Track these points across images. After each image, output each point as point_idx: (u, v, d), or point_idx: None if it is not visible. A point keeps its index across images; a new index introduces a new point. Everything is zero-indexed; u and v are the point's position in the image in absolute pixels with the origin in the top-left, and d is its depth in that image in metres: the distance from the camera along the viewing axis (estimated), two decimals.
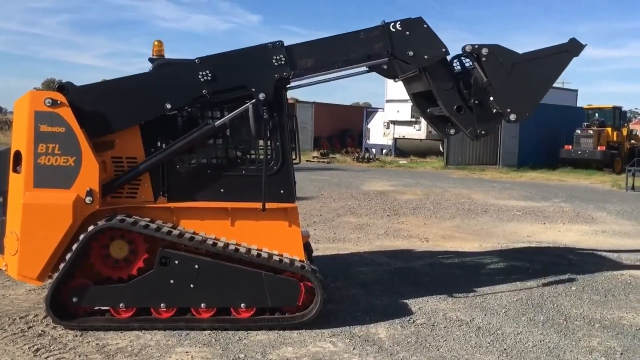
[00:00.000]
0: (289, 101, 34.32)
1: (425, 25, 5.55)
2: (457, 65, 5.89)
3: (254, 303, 5.16)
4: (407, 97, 23.40)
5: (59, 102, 4.98)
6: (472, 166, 27.13)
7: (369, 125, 33.98)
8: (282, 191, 5.42)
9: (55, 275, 4.99)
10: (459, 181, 20.64)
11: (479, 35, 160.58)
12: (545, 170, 24.98)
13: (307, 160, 27.53)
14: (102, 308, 5.14)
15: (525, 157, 26.26)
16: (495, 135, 26.75)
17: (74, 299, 5.02)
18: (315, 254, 7.07)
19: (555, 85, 48.50)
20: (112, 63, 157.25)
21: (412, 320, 5.54)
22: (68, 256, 4.94)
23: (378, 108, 35.01)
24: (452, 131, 6.17)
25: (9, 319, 5.27)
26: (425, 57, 5.55)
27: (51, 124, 4.96)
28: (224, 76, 5.24)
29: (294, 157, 5.62)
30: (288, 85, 5.53)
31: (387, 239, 9.69)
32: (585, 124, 26.64)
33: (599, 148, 25.35)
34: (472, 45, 5.64)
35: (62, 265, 4.94)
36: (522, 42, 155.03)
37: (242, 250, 5.17)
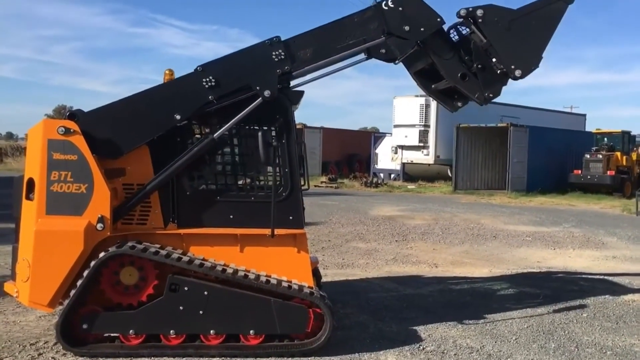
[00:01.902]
0: (297, 126, 34.46)
1: None
2: (454, 35, 5.81)
3: (262, 329, 5.16)
4: (415, 122, 23.50)
5: (71, 130, 5.06)
6: (480, 191, 27.07)
7: (377, 150, 34.08)
8: (291, 217, 5.44)
9: (66, 301, 5.02)
10: (468, 206, 20.59)
11: None
12: (555, 195, 24.89)
13: (315, 186, 27.58)
14: (112, 335, 5.15)
15: (534, 181, 26.18)
16: (504, 159, 26.78)
17: (84, 326, 5.03)
18: (324, 280, 7.06)
19: (563, 109, 48.49)
20: (122, 89, 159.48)
21: (421, 348, 5.51)
22: (79, 283, 4.97)
23: (386, 133, 35.15)
24: (459, 103, 6.09)
25: (20, 346, 5.29)
26: (422, 29, 5.52)
27: (64, 152, 5.04)
28: (228, 79, 5.28)
29: (302, 183, 5.66)
30: (292, 82, 5.53)
31: (395, 264, 9.67)
32: (594, 148, 26.60)
33: (608, 172, 25.26)
34: (467, 9, 5.56)
35: (72, 292, 4.97)
36: None
37: (251, 276, 5.18)
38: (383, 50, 5.57)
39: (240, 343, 5.18)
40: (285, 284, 5.21)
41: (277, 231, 5.31)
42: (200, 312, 5.09)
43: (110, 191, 5.10)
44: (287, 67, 5.34)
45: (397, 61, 5.70)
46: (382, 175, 32.70)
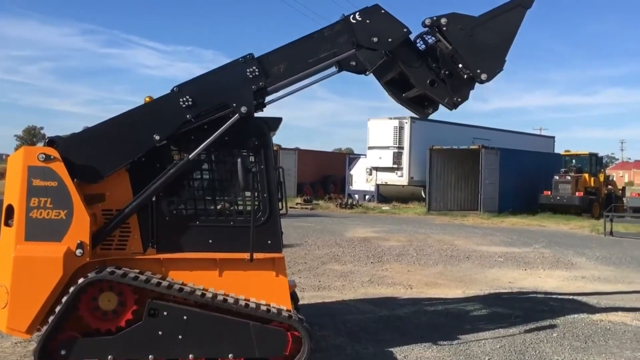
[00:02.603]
0: (273, 148, 34.30)
1: (383, 11, 5.70)
2: (421, 44, 5.99)
3: (242, 353, 5.21)
4: (389, 144, 23.71)
5: (51, 157, 5.11)
6: (453, 212, 27.44)
7: (352, 172, 34.31)
8: (269, 242, 5.55)
9: (44, 328, 5.02)
10: (441, 227, 20.87)
11: None
12: (526, 216, 25.34)
13: (290, 207, 27.47)
14: None
15: (506, 202, 26.66)
16: (476, 181, 27.26)
17: (62, 352, 5.03)
18: (300, 302, 7.14)
19: (533, 131, 49.51)
20: (94, 110, 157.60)
21: None
22: (57, 309, 4.98)
23: (360, 154, 35.48)
24: (430, 110, 6.29)
25: None
26: (389, 40, 5.69)
27: (44, 179, 5.08)
28: (204, 98, 5.39)
29: (281, 207, 5.77)
30: (267, 98, 5.67)
31: (371, 286, 9.79)
32: (562, 170, 27.22)
33: (577, 194, 25.84)
34: (431, 18, 5.77)
35: (51, 318, 4.98)
36: (495, 89, 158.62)
37: (230, 300, 5.25)
38: (353, 63, 5.77)
39: None
40: (263, 308, 5.30)
41: (255, 255, 5.40)
42: (180, 336, 5.13)
43: (89, 217, 5.14)
44: (262, 83, 5.48)
45: (367, 72, 5.89)
46: (357, 196, 32.92)
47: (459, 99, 5.96)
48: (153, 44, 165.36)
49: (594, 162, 27.68)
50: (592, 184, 26.81)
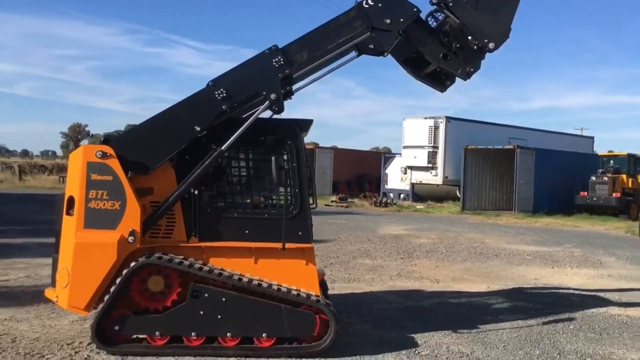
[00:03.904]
0: (309, 146, 35.01)
1: None
2: (432, 22, 6.45)
3: (274, 333, 5.77)
4: (424, 143, 24.22)
5: (107, 154, 5.75)
6: (488, 211, 27.56)
7: (387, 170, 34.68)
8: (300, 233, 6.07)
9: (100, 306, 5.67)
10: (474, 226, 21.11)
11: (494, 80, 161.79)
12: (561, 217, 25.30)
13: (325, 205, 28.24)
14: (140, 336, 5.79)
15: (541, 203, 26.64)
16: (511, 181, 27.30)
17: (116, 328, 5.67)
18: (331, 292, 7.64)
19: (574, 131, 48.82)
20: (136, 108, 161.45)
21: (417, 352, 6.09)
22: (112, 289, 5.62)
23: (396, 153, 35.83)
24: (448, 82, 6.74)
25: (58, 345, 5.95)
26: (401, 20, 6.13)
27: (101, 173, 5.73)
28: (236, 89, 5.95)
29: (311, 202, 6.29)
30: (294, 86, 6.15)
31: (399, 279, 10.25)
32: (600, 170, 27.03)
33: (614, 195, 25.67)
34: None
35: (106, 297, 5.63)
36: (542, 88, 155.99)
37: (264, 285, 5.81)
38: (371, 46, 6.20)
39: (253, 345, 5.79)
40: (294, 292, 5.84)
41: (287, 245, 5.95)
42: (219, 316, 5.72)
43: (140, 208, 5.77)
44: (287, 71, 6.00)
45: (385, 54, 6.31)
46: (391, 195, 33.26)
47: (472, 69, 6.40)
48: (194, 43, 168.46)
49: (632, 163, 27.41)
50: (630, 185, 26.59)
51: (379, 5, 6.09)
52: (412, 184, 32.03)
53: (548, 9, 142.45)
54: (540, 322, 7.44)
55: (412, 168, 31.26)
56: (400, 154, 32.72)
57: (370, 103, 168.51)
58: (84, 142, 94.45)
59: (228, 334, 5.75)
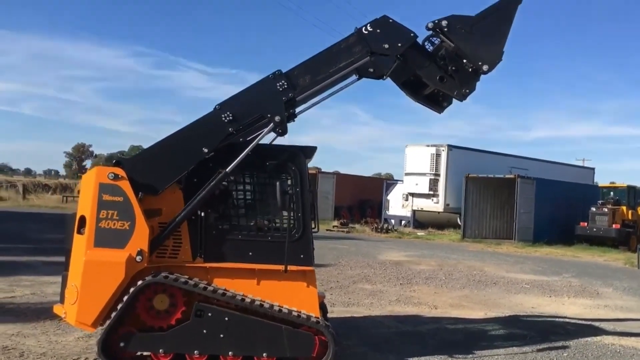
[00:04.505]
0: (312, 171, 35.20)
1: (390, 20, 6.46)
2: (428, 46, 6.71)
3: (274, 353, 5.95)
4: (425, 171, 24.60)
5: (119, 176, 6.00)
6: (488, 239, 27.69)
7: (389, 197, 34.90)
8: (302, 256, 6.28)
9: (107, 322, 5.85)
10: (474, 254, 21.24)
11: (498, 109, 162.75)
12: (561, 246, 25.42)
13: (327, 229, 28.40)
14: (145, 353, 5.96)
15: (541, 232, 26.78)
16: (512, 210, 27.46)
17: (121, 344, 5.85)
18: (330, 316, 7.79)
19: (575, 162, 49.13)
20: (141, 129, 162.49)
21: None
22: (119, 306, 5.82)
23: (398, 180, 36.10)
24: (445, 104, 7.01)
25: None
26: (399, 44, 6.42)
27: (112, 194, 5.96)
28: (242, 112, 6.21)
29: (313, 226, 6.50)
30: (297, 109, 6.43)
31: (398, 305, 10.40)
32: (600, 202, 27.22)
33: (614, 226, 25.81)
34: (433, 22, 6.51)
35: (113, 314, 5.81)
36: (542, 118, 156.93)
37: (266, 305, 6.00)
38: (371, 69, 6.47)
39: None
40: (295, 314, 6.02)
41: (289, 267, 6.15)
42: (221, 335, 5.90)
43: (148, 228, 5.99)
44: (291, 94, 6.27)
45: (384, 77, 6.58)
46: (393, 221, 33.46)
47: (467, 90, 6.69)
48: (200, 66, 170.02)
49: (632, 195, 27.62)
50: (630, 216, 26.78)
51: (378, 31, 6.40)
52: (414, 211, 32.22)
53: (550, 39, 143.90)
54: (535, 350, 7.59)
55: (413, 195, 31.49)
56: (402, 180, 32.98)
57: (374, 129, 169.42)
58: (88, 162, 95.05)
59: (230, 353, 5.92)
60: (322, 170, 39.77)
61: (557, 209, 27.77)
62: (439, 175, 30.27)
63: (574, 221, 27.21)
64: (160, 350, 5.89)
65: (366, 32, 6.40)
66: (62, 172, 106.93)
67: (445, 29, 6.49)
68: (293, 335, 5.95)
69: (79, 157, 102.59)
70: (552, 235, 26.78)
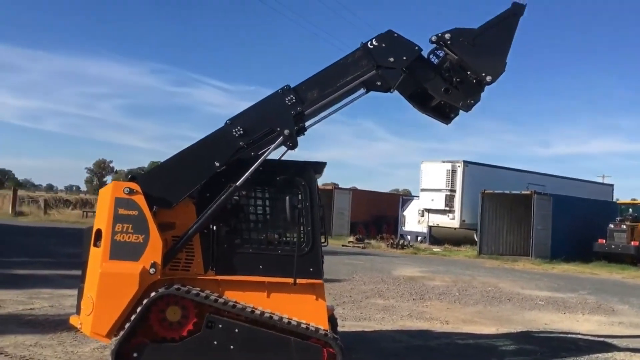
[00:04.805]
0: (328, 187, 35.42)
1: (395, 34, 6.62)
2: (434, 59, 6.87)
3: None
4: (441, 187, 24.71)
5: (134, 190, 6.20)
6: (505, 256, 27.49)
7: (405, 213, 34.88)
8: (311, 269, 6.41)
9: (121, 333, 6.02)
10: (489, 270, 21.15)
11: (517, 125, 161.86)
12: (579, 264, 25.13)
13: (342, 245, 28.46)
14: None
15: (558, 249, 26.54)
16: (529, 226, 27.27)
17: (134, 355, 5.99)
18: (341, 330, 7.89)
19: (595, 179, 48.77)
20: (160, 145, 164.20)
21: None
22: (132, 317, 5.98)
23: (414, 196, 36.10)
24: (452, 115, 7.14)
25: None
26: (404, 58, 6.57)
27: (127, 208, 6.16)
28: (253, 126, 6.40)
29: (323, 240, 6.63)
30: (307, 123, 6.59)
31: (409, 320, 10.45)
32: (618, 218, 26.95)
33: (632, 243, 25.50)
34: (436, 35, 6.65)
35: (127, 325, 5.98)
36: (564, 134, 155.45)
37: (275, 317, 6.13)
38: (378, 83, 6.64)
39: None
40: (303, 326, 6.14)
41: (298, 280, 6.28)
42: (232, 347, 6.03)
43: (162, 241, 6.17)
44: (299, 108, 6.44)
45: (392, 90, 6.72)
46: (409, 237, 33.41)
47: (472, 101, 6.82)
48: (219, 83, 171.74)
49: None
50: None
51: (383, 45, 6.57)
52: (430, 227, 32.16)
53: (571, 55, 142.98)
54: None
55: (429, 211, 31.48)
56: (418, 196, 32.98)
57: (391, 145, 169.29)
58: (108, 178, 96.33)
59: None
60: (340, 186, 39.95)
61: (575, 226, 27.50)
62: (454, 191, 30.25)
63: (592, 238, 26.90)
64: None
65: (372, 46, 6.57)
66: (83, 187, 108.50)
67: (449, 42, 6.64)
68: (302, 347, 6.06)
69: (100, 172, 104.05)
70: (570, 252, 26.51)
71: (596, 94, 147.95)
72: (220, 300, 6.13)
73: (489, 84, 6.76)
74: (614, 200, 35.08)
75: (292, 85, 6.50)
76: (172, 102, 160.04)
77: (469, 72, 6.72)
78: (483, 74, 6.69)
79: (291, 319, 6.20)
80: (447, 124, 7.25)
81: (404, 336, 8.96)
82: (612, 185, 41.31)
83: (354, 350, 7.59)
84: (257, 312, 6.14)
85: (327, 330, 6.22)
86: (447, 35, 6.64)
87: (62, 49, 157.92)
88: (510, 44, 6.86)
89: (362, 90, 6.73)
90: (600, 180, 56.59)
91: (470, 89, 6.79)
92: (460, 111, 7.02)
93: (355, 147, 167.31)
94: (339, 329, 7.61)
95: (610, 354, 8.40)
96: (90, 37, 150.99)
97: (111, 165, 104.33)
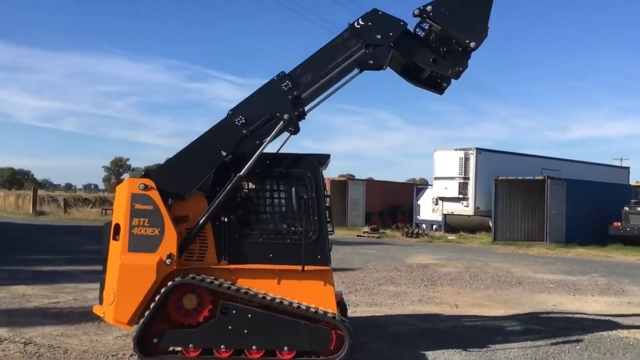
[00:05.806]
0: (342, 178, 35.98)
1: (380, 12, 6.85)
2: (420, 33, 7.09)
3: (294, 347, 6.41)
4: (455, 175, 24.92)
5: (149, 186, 6.56)
6: (520, 242, 27.66)
7: (419, 201, 35.10)
8: (319, 256, 6.72)
9: (141, 321, 6.40)
10: (503, 256, 21.35)
11: (533, 110, 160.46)
12: (594, 247, 25.23)
13: (357, 235, 28.81)
14: (176, 348, 6.49)
15: (573, 233, 26.63)
16: (543, 211, 27.36)
17: (155, 340, 6.38)
18: (353, 315, 8.24)
19: (611, 162, 48.34)
20: (175, 142, 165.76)
21: None
22: (151, 306, 6.36)
23: (428, 185, 36.26)
24: (444, 84, 7.35)
25: (104, 357, 6.72)
26: (391, 34, 6.79)
27: (143, 203, 6.52)
28: (253, 114, 6.70)
29: (329, 228, 6.94)
30: (306, 107, 6.83)
31: (420, 304, 10.75)
32: (633, 201, 26.96)
33: None
34: (419, 8, 6.87)
35: (147, 313, 6.36)
36: (581, 117, 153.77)
37: (286, 303, 6.47)
38: (371, 61, 6.88)
39: (276, 357, 6.43)
40: (312, 310, 6.48)
41: (307, 267, 6.60)
42: (245, 331, 6.39)
43: (177, 234, 6.53)
44: (296, 92, 6.72)
45: (384, 67, 6.97)
46: (424, 226, 33.62)
47: (460, 68, 7.04)
48: (231, 77, 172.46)
49: None
50: None
51: (369, 24, 6.81)
52: (444, 215, 32.34)
53: (586, 39, 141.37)
54: (549, 343, 7.86)
55: (443, 199, 31.64)
56: (432, 185, 33.16)
57: (406, 134, 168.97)
58: (126, 175, 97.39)
59: (253, 347, 6.40)
60: (355, 177, 40.24)
61: (590, 210, 27.56)
62: (468, 178, 30.37)
63: (607, 221, 26.97)
64: (190, 346, 6.40)
65: (358, 25, 6.81)
66: (101, 186, 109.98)
67: (431, 14, 6.85)
68: (311, 330, 6.40)
69: (117, 170, 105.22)
70: (585, 236, 26.59)
71: (615, 76, 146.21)
72: (233, 287, 6.48)
73: (473, 49, 6.97)
74: (630, 183, 34.89)
75: (286, 72, 6.78)
76: (186, 98, 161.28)
77: (454, 41, 6.94)
78: (467, 41, 6.90)
79: (301, 304, 6.53)
80: (440, 94, 7.50)
81: (413, 320, 9.27)
82: (628, 168, 41.14)
83: (363, 333, 7.91)
84: (268, 298, 6.48)
85: (335, 314, 6.55)
86: (429, 8, 6.86)
87: (76, 49, 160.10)
88: (490, 9, 7.05)
89: (356, 70, 6.99)
90: (617, 163, 56.18)
91: (457, 56, 7.01)
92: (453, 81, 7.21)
93: (370, 137, 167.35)
94: (350, 314, 7.95)
95: (614, 332, 8.63)
96: (103, 36, 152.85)
97: (128, 162, 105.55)
